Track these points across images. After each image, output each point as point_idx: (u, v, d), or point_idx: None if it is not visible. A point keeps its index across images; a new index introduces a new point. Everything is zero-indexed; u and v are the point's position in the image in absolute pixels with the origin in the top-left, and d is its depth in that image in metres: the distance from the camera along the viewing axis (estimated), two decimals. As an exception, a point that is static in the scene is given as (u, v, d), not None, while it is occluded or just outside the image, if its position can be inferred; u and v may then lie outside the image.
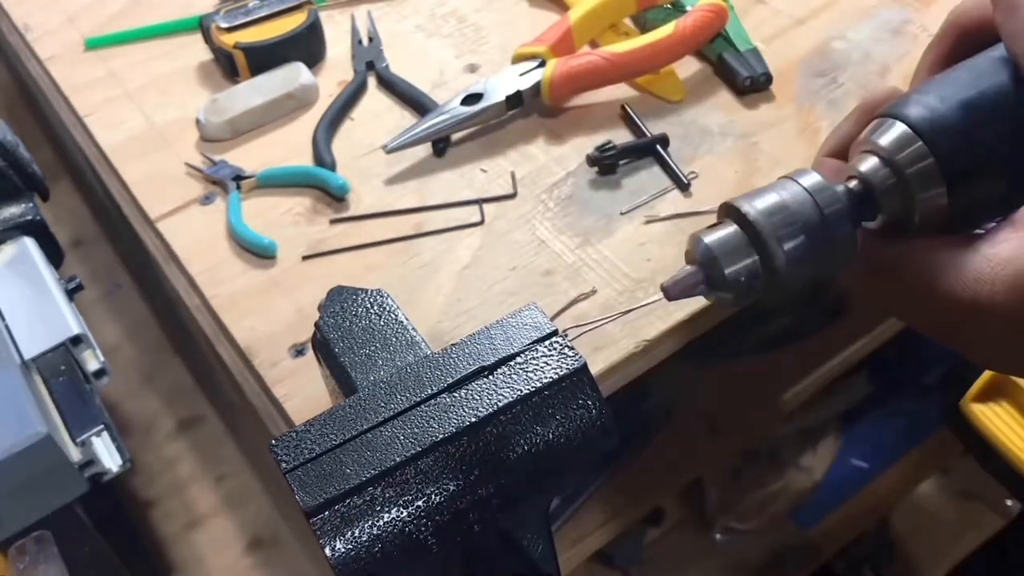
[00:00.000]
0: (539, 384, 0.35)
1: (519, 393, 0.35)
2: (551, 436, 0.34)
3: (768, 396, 0.86)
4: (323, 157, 0.66)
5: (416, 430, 0.34)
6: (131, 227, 0.66)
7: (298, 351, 0.55)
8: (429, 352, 0.39)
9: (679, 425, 0.85)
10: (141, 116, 0.72)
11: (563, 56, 0.67)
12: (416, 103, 0.70)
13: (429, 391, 0.35)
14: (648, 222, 0.60)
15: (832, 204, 0.41)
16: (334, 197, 0.64)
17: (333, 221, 0.63)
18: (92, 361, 0.55)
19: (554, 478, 0.34)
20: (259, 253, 0.61)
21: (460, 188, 0.64)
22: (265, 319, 0.57)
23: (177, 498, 0.70)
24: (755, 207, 0.41)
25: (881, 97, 0.46)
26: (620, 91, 0.69)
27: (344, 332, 0.41)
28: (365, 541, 0.32)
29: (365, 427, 0.35)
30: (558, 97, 0.67)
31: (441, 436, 0.34)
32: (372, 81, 0.73)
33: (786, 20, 0.74)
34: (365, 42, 0.76)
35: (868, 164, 0.44)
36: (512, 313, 0.38)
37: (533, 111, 0.68)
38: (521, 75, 0.67)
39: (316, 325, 0.43)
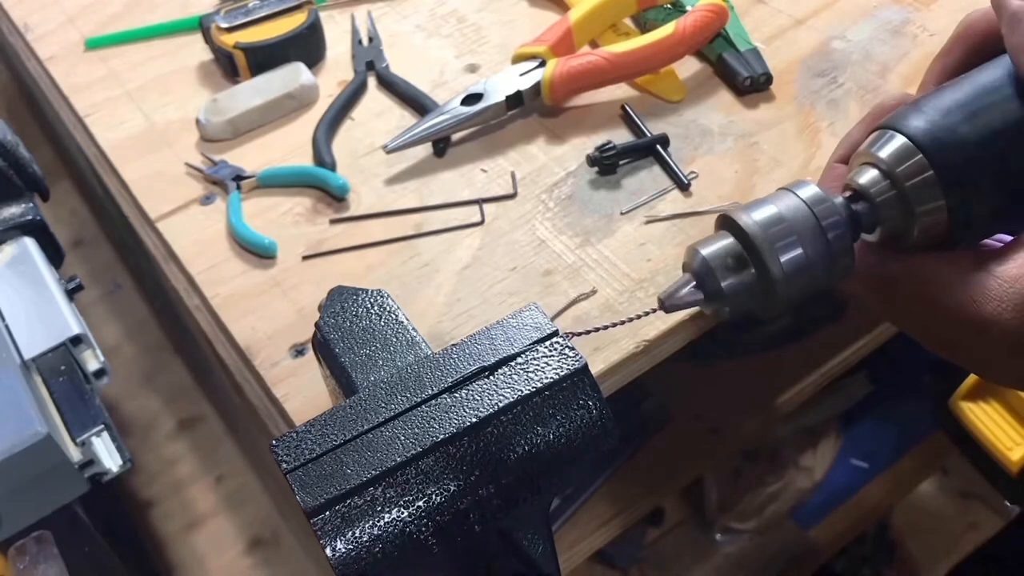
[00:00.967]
0: (539, 384, 0.35)
1: (520, 393, 0.35)
2: (551, 436, 0.34)
3: (768, 396, 0.86)
4: (323, 157, 0.66)
5: (417, 430, 0.34)
6: (131, 227, 0.66)
7: (298, 351, 0.55)
8: (429, 352, 0.39)
9: (679, 425, 0.85)
10: (141, 116, 0.72)
11: (563, 56, 0.67)
12: (416, 103, 0.70)
13: (429, 391, 0.35)
14: (648, 222, 0.60)
15: (830, 216, 0.41)
16: (334, 197, 0.64)
17: (333, 221, 0.63)
18: (92, 361, 0.55)
19: (554, 478, 0.34)
20: (259, 253, 0.61)
21: (460, 188, 0.64)
22: (265, 319, 0.57)
23: (177, 498, 0.70)
24: (752, 219, 0.41)
25: (892, 103, 0.45)
26: (620, 91, 0.69)
27: (344, 332, 0.41)
28: (366, 541, 0.32)
29: (365, 427, 0.35)
30: (558, 97, 0.67)
31: (442, 436, 0.34)
32: (372, 81, 0.73)
33: (786, 20, 0.74)
34: (365, 42, 0.76)
35: (867, 176, 0.44)
36: (512, 313, 0.38)
37: (533, 111, 0.68)
38: (521, 75, 0.67)
39: (316, 325, 0.43)
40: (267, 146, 0.69)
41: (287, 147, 0.68)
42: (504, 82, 0.67)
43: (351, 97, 0.71)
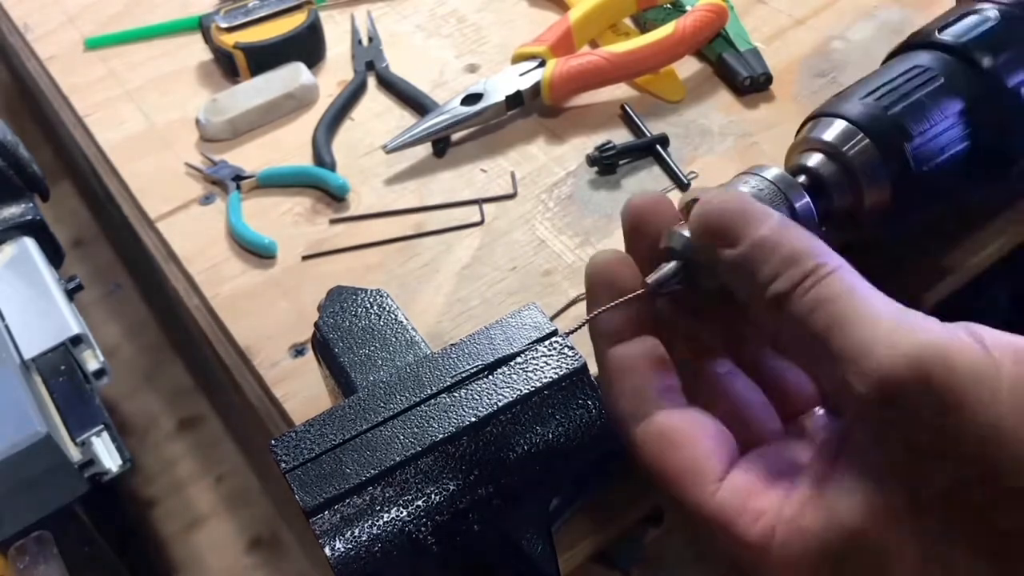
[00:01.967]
0: (539, 384, 0.35)
1: (519, 393, 0.35)
2: (551, 436, 0.34)
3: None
4: (323, 157, 0.66)
5: (416, 430, 0.34)
6: (131, 227, 0.66)
7: (298, 351, 0.55)
8: (429, 352, 0.39)
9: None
10: (141, 116, 0.72)
11: (563, 56, 0.67)
12: (416, 103, 0.70)
13: (429, 391, 0.35)
14: (648, 222, 0.60)
15: (799, 196, 0.42)
16: (334, 197, 0.64)
17: (333, 221, 0.63)
18: (92, 361, 0.55)
19: (554, 478, 0.34)
20: (259, 253, 0.61)
21: (460, 188, 0.64)
22: (265, 319, 0.57)
23: (177, 498, 0.70)
24: None
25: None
26: (620, 91, 0.69)
27: (344, 332, 0.41)
28: (365, 541, 0.32)
29: (365, 427, 0.34)
30: (558, 97, 0.67)
31: (441, 436, 0.34)
32: (372, 81, 0.73)
33: (786, 20, 0.74)
34: (365, 42, 0.76)
35: (815, 159, 0.45)
36: (512, 313, 0.37)
37: (533, 111, 0.68)
38: (521, 75, 0.67)
39: (316, 325, 0.43)
40: (267, 146, 0.69)
41: (287, 147, 0.68)
42: (504, 82, 0.67)
43: (351, 97, 0.71)
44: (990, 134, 0.48)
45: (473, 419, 0.34)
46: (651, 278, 0.37)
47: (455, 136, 0.67)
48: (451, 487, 0.33)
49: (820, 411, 0.37)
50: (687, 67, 0.70)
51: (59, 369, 0.53)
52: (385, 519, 0.32)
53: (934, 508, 0.28)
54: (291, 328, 0.57)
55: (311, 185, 0.65)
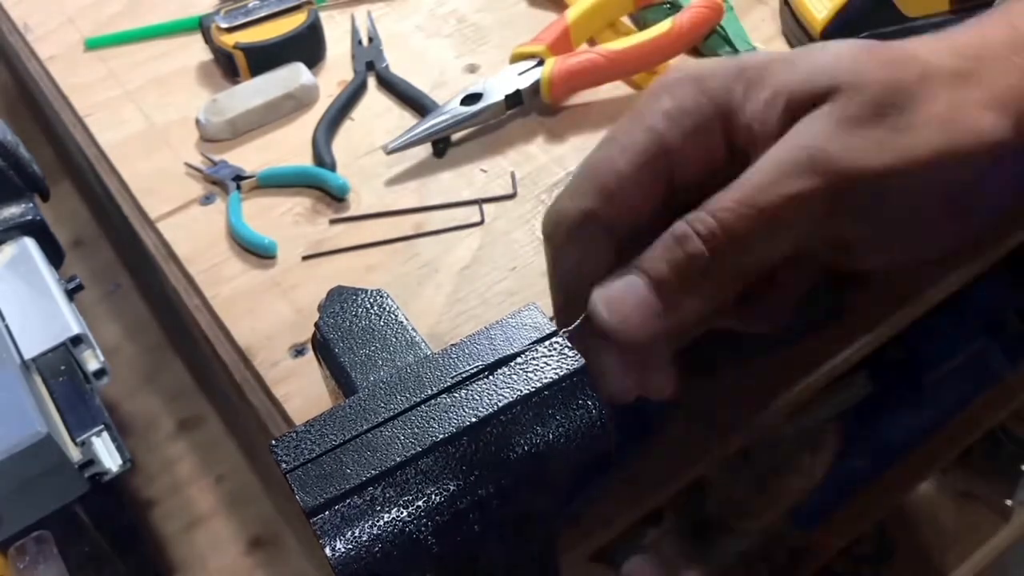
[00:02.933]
0: (539, 385, 0.35)
1: (519, 393, 0.35)
2: (551, 437, 0.34)
3: (768, 396, 0.86)
4: (323, 157, 0.66)
5: (416, 430, 0.34)
6: (131, 227, 0.66)
7: (298, 351, 0.55)
8: (429, 352, 0.39)
9: (679, 425, 0.84)
10: (141, 116, 0.72)
11: (561, 55, 0.67)
12: (416, 103, 0.70)
13: (429, 391, 0.35)
14: (648, 222, 0.60)
15: None
16: (334, 197, 0.64)
17: (333, 221, 0.63)
18: (92, 361, 0.55)
19: (554, 478, 0.34)
20: (259, 253, 0.61)
21: (460, 188, 0.64)
22: (265, 319, 0.57)
23: (177, 498, 0.70)
24: None
25: None
26: (619, 90, 0.69)
27: (344, 332, 0.41)
28: (365, 541, 0.32)
29: (365, 427, 0.35)
30: (557, 95, 0.67)
31: (441, 436, 0.34)
32: (372, 81, 0.73)
33: (786, 20, 0.74)
34: (365, 42, 0.76)
35: None
36: (512, 313, 0.38)
37: (532, 110, 0.68)
38: (520, 74, 0.67)
39: (316, 325, 0.43)
40: (267, 146, 0.69)
41: (287, 147, 0.68)
42: (503, 81, 0.67)
43: (351, 97, 0.71)
44: None
45: (473, 420, 0.34)
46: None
47: (455, 136, 0.67)
48: (451, 487, 0.33)
49: None
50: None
51: (59, 369, 0.53)
52: (385, 519, 0.32)
53: None
54: (291, 328, 0.57)
55: (311, 185, 0.65)
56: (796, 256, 0.36)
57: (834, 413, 1.20)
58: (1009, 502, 1.28)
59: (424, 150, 0.66)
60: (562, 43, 0.69)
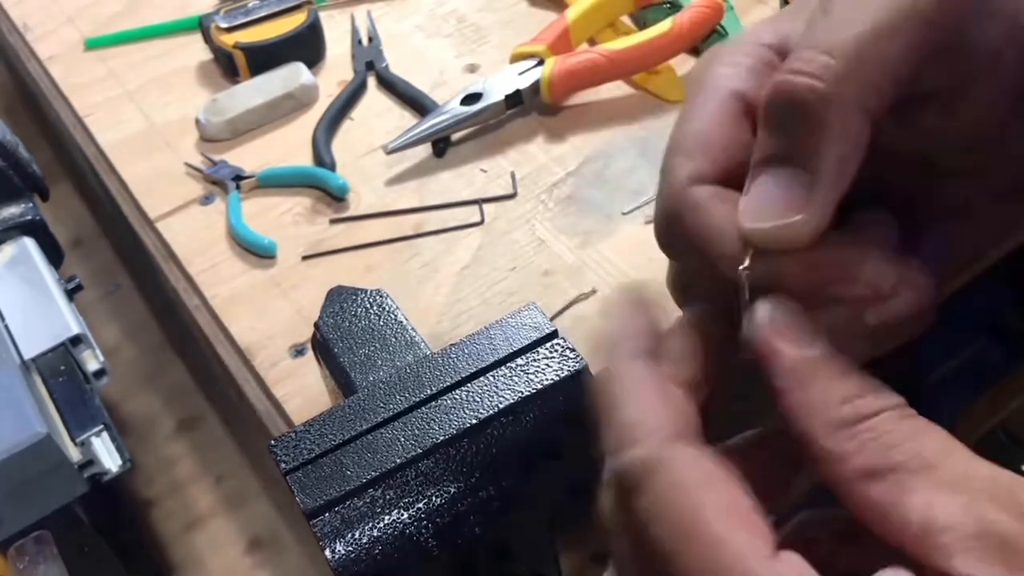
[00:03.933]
0: (540, 386, 0.35)
1: (520, 395, 0.35)
2: (552, 438, 0.34)
3: (768, 396, 0.86)
4: (323, 157, 0.66)
5: (416, 431, 0.34)
6: (131, 227, 0.66)
7: (298, 351, 0.55)
8: (429, 352, 0.39)
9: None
10: (141, 116, 0.72)
11: (561, 55, 0.67)
12: (416, 103, 0.70)
13: (429, 392, 0.35)
14: (648, 222, 0.60)
15: None
16: (334, 197, 0.64)
17: (333, 221, 0.63)
18: (92, 361, 0.55)
19: (555, 480, 0.34)
20: (259, 253, 0.61)
21: (460, 188, 0.64)
22: (265, 319, 0.57)
23: (177, 498, 0.70)
24: None
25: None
26: (620, 90, 0.69)
27: (343, 332, 0.41)
28: (365, 543, 0.32)
29: (365, 428, 0.35)
30: (557, 95, 0.67)
31: (442, 438, 0.34)
32: (372, 81, 0.73)
33: (786, 20, 0.73)
34: (365, 42, 0.76)
35: None
36: (512, 313, 0.37)
37: (532, 110, 0.68)
38: (520, 74, 0.67)
39: (316, 325, 0.43)
40: (267, 146, 0.69)
41: (287, 147, 0.68)
42: (503, 81, 0.67)
43: (351, 97, 0.71)
44: None
45: (474, 421, 0.34)
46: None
47: (455, 136, 0.67)
48: (452, 489, 0.33)
49: None
50: (687, 67, 0.70)
51: (59, 369, 0.53)
52: (386, 521, 0.32)
53: None
54: (291, 328, 0.57)
55: (311, 185, 0.65)
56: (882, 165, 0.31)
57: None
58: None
59: (424, 150, 0.66)
60: (562, 43, 0.69)
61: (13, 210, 0.59)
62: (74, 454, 0.50)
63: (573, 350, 0.36)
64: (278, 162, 0.67)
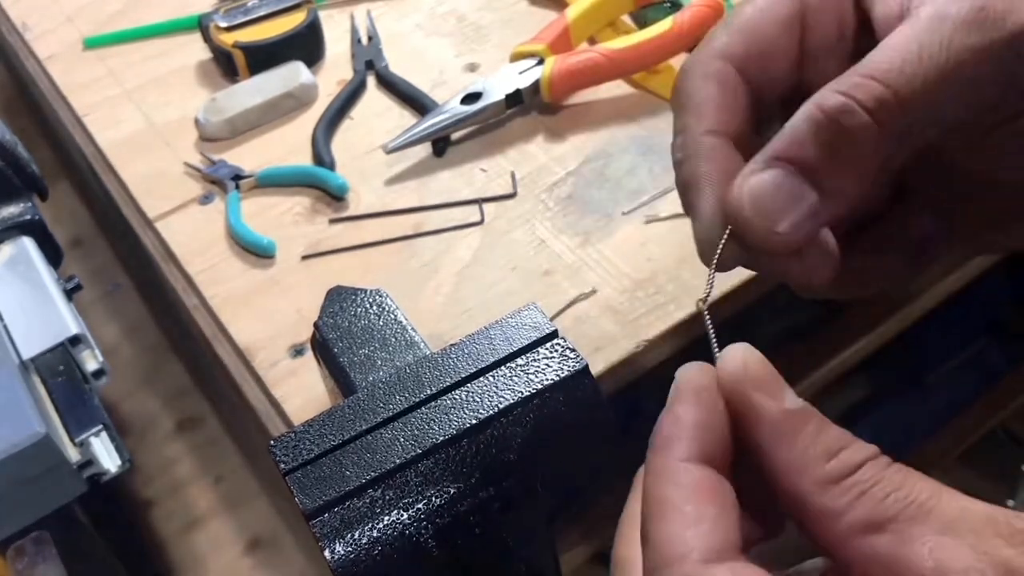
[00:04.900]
0: (540, 386, 0.35)
1: (520, 395, 0.34)
2: (552, 438, 0.34)
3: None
4: (322, 157, 0.66)
5: (416, 432, 0.34)
6: (130, 227, 0.66)
7: (297, 351, 0.55)
8: (428, 352, 0.39)
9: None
10: (140, 115, 0.72)
11: (561, 54, 0.67)
12: (416, 102, 0.70)
13: (429, 392, 0.35)
14: (648, 222, 0.60)
15: None
16: (333, 197, 0.64)
17: (332, 221, 0.63)
18: (91, 361, 0.55)
19: (555, 480, 0.34)
20: (258, 253, 0.61)
21: (460, 188, 0.64)
22: (264, 319, 0.57)
23: (176, 498, 0.70)
24: None
25: None
26: (620, 89, 0.69)
27: (343, 332, 0.41)
28: (365, 544, 0.32)
29: (364, 428, 0.34)
30: (558, 94, 0.67)
31: (441, 438, 0.33)
32: (372, 80, 0.73)
33: (786, 19, 0.73)
34: (364, 41, 0.76)
35: None
36: (512, 313, 0.37)
37: (532, 109, 0.68)
38: (520, 73, 0.67)
39: (315, 325, 0.43)
40: (266, 146, 0.68)
41: (286, 147, 0.68)
42: (503, 80, 0.67)
43: (350, 96, 0.71)
44: None
45: (474, 421, 0.34)
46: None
47: (455, 135, 0.67)
48: (451, 490, 0.33)
49: None
50: (687, 66, 0.70)
51: (58, 369, 0.53)
52: (385, 522, 0.32)
53: None
54: (291, 328, 0.56)
55: (310, 185, 0.65)
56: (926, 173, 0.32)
57: (834, 413, 1.19)
58: (1011, 503, 1.28)
59: (424, 149, 0.66)
60: (562, 42, 0.68)
61: (12, 210, 0.59)
62: (73, 454, 0.50)
63: (573, 350, 0.36)
64: (277, 162, 0.67)
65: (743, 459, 0.29)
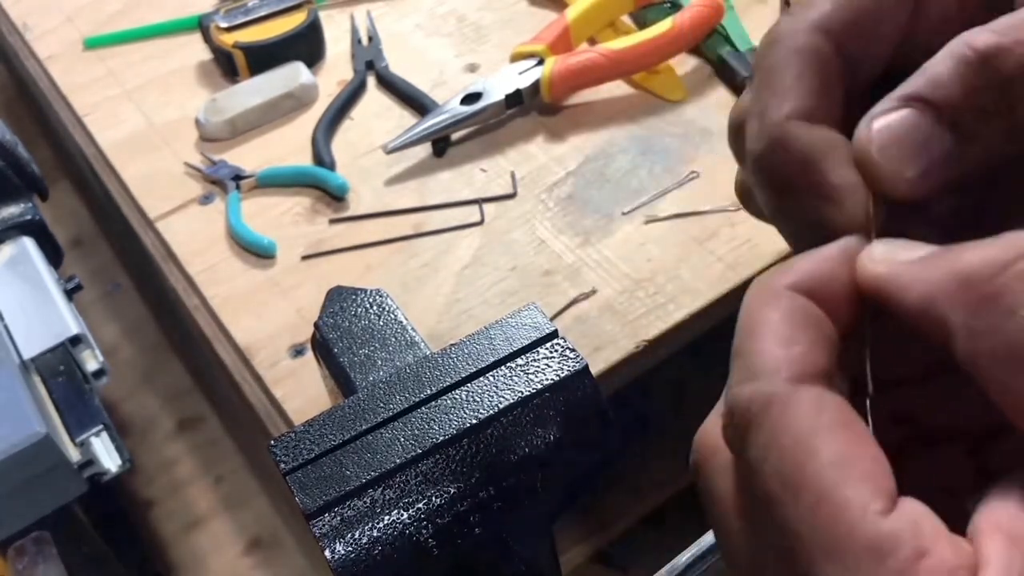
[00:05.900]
0: (540, 386, 0.35)
1: (520, 395, 0.34)
2: (552, 438, 0.34)
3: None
4: (323, 157, 0.66)
5: (416, 432, 0.34)
6: (130, 227, 0.66)
7: (297, 351, 0.55)
8: (429, 352, 0.39)
9: (680, 425, 0.84)
10: (140, 116, 0.72)
11: (561, 54, 0.67)
12: (416, 103, 0.70)
13: (429, 392, 0.35)
14: (648, 222, 0.60)
15: None
16: (334, 197, 0.64)
17: (332, 221, 0.63)
18: (91, 361, 0.55)
19: (555, 480, 0.34)
20: (258, 253, 0.61)
21: (460, 188, 0.64)
22: (264, 319, 0.57)
23: (177, 498, 0.70)
24: None
25: None
26: (620, 90, 0.69)
27: (343, 332, 0.41)
28: (365, 543, 0.32)
29: (364, 428, 0.34)
30: (557, 95, 0.67)
31: (441, 438, 0.34)
32: (372, 81, 0.73)
33: (786, 19, 0.73)
34: (365, 42, 0.76)
35: None
36: (512, 313, 0.37)
37: (532, 109, 0.68)
38: (520, 73, 0.67)
39: (315, 325, 0.43)
40: (266, 146, 0.68)
41: (286, 147, 0.68)
42: (503, 81, 0.67)
43: (350, 97, 0.71)
44: None
45: (474, 421, 0.34)
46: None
47: (455, 136, 0.67)
48: (452, 490, 0.33)
49: None
50: (687, 67, 0.70)
51: (58, 369, 0.53)
52: (386, 521, 0.32)
53: None
54: (291, 328, 0.56)
55: (311, 185, 0.65)
56: None
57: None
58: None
59: (424, 150, 0.66)
60: (562, 42, 0.69)
61: (12, 210, 0.59)
62: (73, 454, 0.50)
63: (573, 350, 0.36)
64: (278, 162, 0.67)
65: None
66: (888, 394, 0.28)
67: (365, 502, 0.32)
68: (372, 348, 0.40)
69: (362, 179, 0.65)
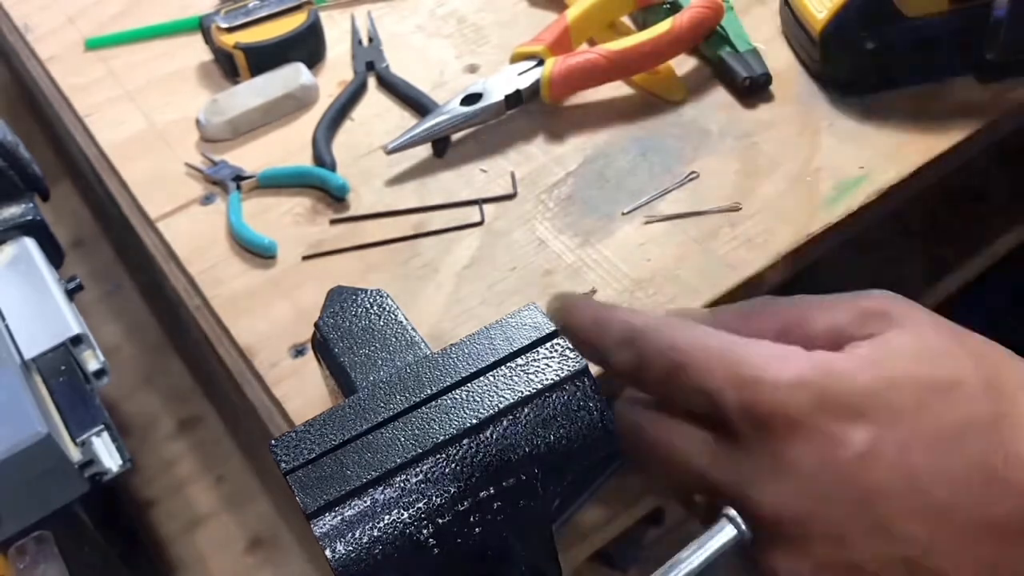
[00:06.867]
0: (540, 386, 0.35)
1: (520, 395, 0.34)
2: (552, 438, 0.34)
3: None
4: (323, 157, 0.66)
5: (416, 431, 0.34)
6: (131, 227, 0.66)
7: (298, 351, 0.55)
8: (429, 352, 0.39)
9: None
10: (141, 116, 0.72)
11: (561, 55, 0.67)
12: (416, 103, 0.70)
13: (429, 391, 0.35)
14: (648, 222, 0.60)
15: None
16: (334, 197, 0.64)
17: (333, 221, 0.63)
18: (92, 361, 0.55)
19: (555, 480, 0.34)
20: (259, 253, 0.61)
21: (460, 188, 0.64)
22: (265, 319, 0.57)
23: (177, 498, 0.70)
24: None
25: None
26: (620, 90, 0.69)
27: (344, 332, 0.41)
28: (366, 543, 0.32)
29: (365, 428, 0.34)
30: (557, 95, 0.67)
31: (442, 438, 0.34)
32: (372, 81, 0.73)
33: (786, 20, 0.73)
34: (365, 42, 0.76)
35: None
36: (512, 313, 0.37)
37: (532, 110, 0.68)
38: (520, 74, 0.67)
39: (316, 325, 0.43)
40: (267, 146, 0.69)
41: (287, 147, 0.68)
42: (503, 81, 0.67)
43: (351, 97, 0.71)
44: None
45: (474, 421, 0.34)
46: None
47: (455, 136, 0.67)
48: (452, 489, 0.33)
49: None
50: (687, 67, 0.70)
51: (59, 369, 0.53)
52: (386, 521, 0.32)
53: None
54: (291, 328, 0.57)
55: (311, 185, 0.65)
56: None
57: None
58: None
59: (424, 150, 0.66)
60: (562, 43, 0.69)
61: (14, 210, 0.59)
62: (74, 454, 0.50)
63: (573, 350, 0.36)
64: (278, 162, 0.67)
65: None
66: None
67: (366, 502, 0.32)
68: (372, 348, 0.40)
69: (362, 179, 0.65)
